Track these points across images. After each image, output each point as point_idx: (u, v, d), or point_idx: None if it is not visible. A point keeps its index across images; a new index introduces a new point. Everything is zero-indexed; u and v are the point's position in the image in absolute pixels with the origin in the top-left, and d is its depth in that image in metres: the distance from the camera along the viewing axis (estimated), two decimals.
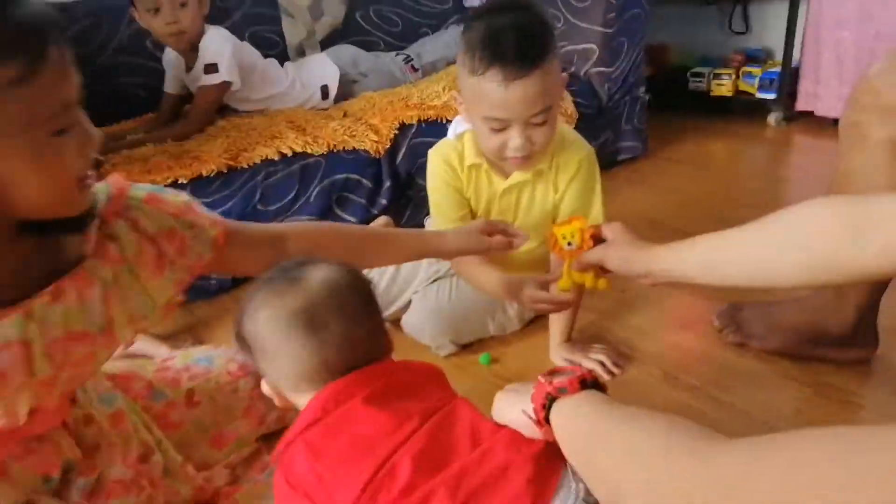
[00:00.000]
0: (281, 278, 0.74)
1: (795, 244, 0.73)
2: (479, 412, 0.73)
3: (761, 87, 2.62)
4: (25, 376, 0.72)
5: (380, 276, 1.32)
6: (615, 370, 1.19)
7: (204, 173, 1.50)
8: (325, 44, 2.23)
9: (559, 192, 1.19)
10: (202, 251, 0.85)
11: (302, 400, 0.72)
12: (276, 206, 1.58)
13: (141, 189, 0.84)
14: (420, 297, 1.31)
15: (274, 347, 0.71)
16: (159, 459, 0.93)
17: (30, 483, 0.81)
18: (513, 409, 0.72)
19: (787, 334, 1.19)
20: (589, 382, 0.68)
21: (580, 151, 1.18)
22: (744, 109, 2.72)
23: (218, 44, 1.73)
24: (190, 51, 1.74)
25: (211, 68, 1.73)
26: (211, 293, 1.56)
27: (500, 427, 0.71)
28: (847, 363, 1.15)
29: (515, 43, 0.98)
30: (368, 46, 2.28)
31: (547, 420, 0.66)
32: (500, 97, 1.00)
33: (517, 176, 1.17)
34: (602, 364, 1.20)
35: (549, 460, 0.67)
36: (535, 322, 1.35)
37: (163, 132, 1.70)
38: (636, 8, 2.15)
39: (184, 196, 0.87)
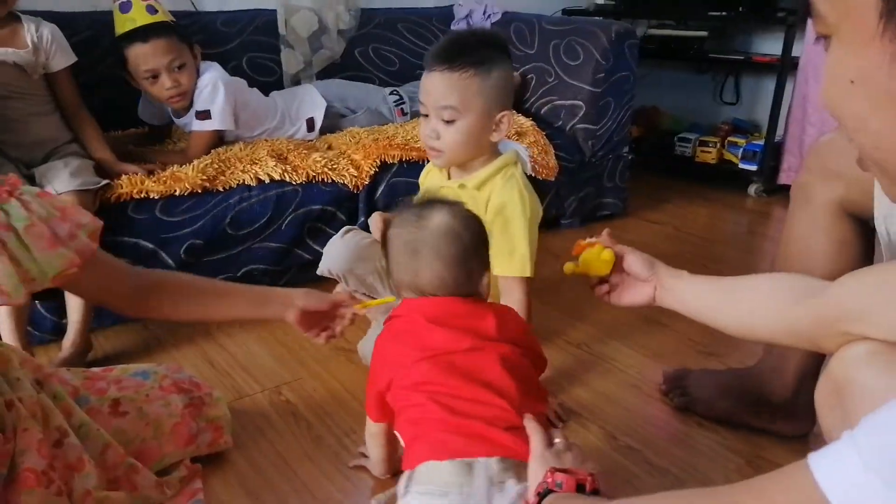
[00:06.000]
0: (411, 212, 0.92)
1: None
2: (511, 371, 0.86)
3: (744, 158, 2.67)
4: None
5: None
6: (555, 422, 1.20)
7: (178, 192, 1.52)
8: (321, 76, 2.28)
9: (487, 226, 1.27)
10: (86, 239, 0.96)
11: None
12: (245, 230, 1.60)
13: (33, 188, 0.95)
14: (377, 326, 1.32)
15: (393, 260, 0.93)
16: (74, 441, 0.93)
17: None
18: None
19: (731, 402, 1.20)
20: (587, 489, 0.70)
21: (501, 196, 1.25)
22: (726, 178, 2.77)
23: (211, 89, 1.73)
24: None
25: (203, 115, 1.74)
26: None
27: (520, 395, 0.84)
28: (785, 436, 1.16)
29: (447, 49, 1.20)
30: (363, 82, 2.33)
31: None
32: (425, 81, 1.23)
33: (452, 181, 1.31)
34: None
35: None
36: None
37: (157, 153, 1.75)
38: (625, 71, 2.21)
39: (68, 199, 1.02)
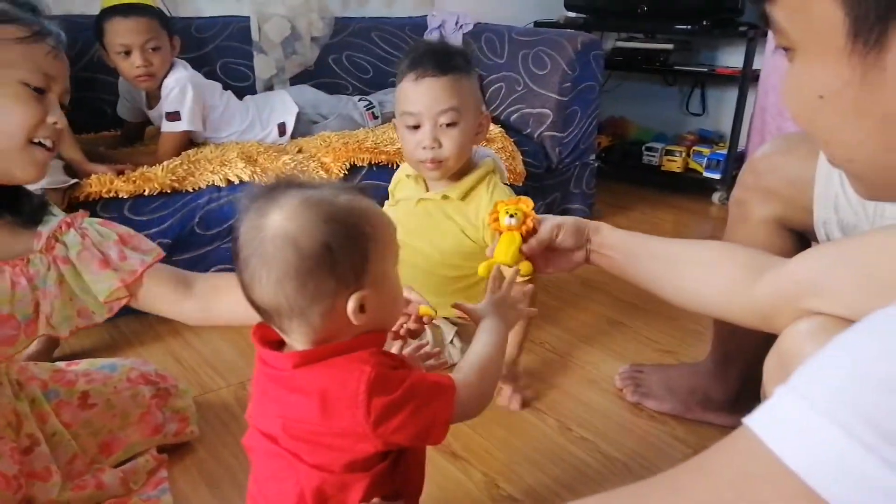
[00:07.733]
0: (258, 202, 0.65)
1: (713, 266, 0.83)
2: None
3: (708, 167, 2.74)
4: None
5: None
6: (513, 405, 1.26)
7: (146, 192, 1.54)
8: (294, 81, 2.31)
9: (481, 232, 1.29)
10: (144, 258, 0.98)
11: None
12: (214, 230, 1.62)
13: (95, 219, 0.99)
14: None
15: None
16: (44, 451, 0.95)
17: None
18: None
19: (680, 397, 1.25)
20: None
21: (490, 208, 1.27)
22: (691, 186, 2.84)
23: (179, 90, 1.74)
24: (155, 89, 1.77)
25: (173, 116, 1.75)
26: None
27: None
28: (730, 428, 1.20)
29: (432, 57, 1.22)
30: (336, 90, 2.37)
31: None
32: (413, 91, 1.22)
33: (432, 194, 1.32)
34: None
35: None
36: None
37: (128, 155, 1.76)
38: (590, 81, 2.27)
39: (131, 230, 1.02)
